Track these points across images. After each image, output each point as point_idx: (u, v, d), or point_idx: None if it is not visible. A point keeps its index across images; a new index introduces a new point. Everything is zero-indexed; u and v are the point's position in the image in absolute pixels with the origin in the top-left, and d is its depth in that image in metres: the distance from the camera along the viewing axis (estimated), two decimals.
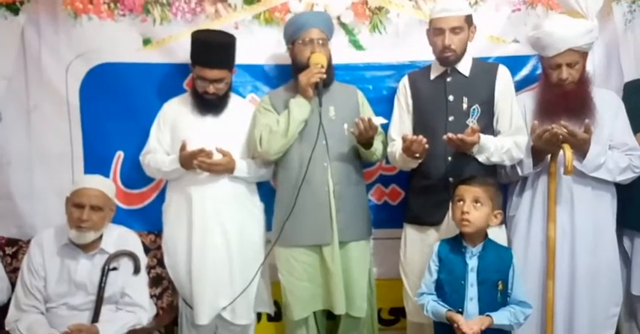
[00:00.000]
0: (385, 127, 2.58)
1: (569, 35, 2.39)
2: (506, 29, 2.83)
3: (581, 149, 2.38)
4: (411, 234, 2.53)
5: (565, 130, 2.32)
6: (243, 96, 2.83)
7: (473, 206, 2.18)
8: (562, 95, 2.45)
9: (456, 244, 2.25)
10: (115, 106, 2.80)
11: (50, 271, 2.39)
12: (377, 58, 2.83)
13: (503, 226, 2.49)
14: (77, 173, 2.79)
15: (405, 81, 2.60)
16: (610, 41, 2.81)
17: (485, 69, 2.52)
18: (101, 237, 2.43)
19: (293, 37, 2.55)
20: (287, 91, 2.60)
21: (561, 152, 2.35)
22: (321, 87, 2.46)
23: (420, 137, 2.32)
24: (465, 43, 2.46)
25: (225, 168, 2.56)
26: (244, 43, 2.70)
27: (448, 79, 2.49)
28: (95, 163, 2.80)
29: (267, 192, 2.74)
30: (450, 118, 2.45)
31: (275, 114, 2.55)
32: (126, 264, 2.45)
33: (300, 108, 2.48)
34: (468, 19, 2.46)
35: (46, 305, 2.38)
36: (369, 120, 2.40)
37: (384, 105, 2.69)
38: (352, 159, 2.56)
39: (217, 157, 2.53)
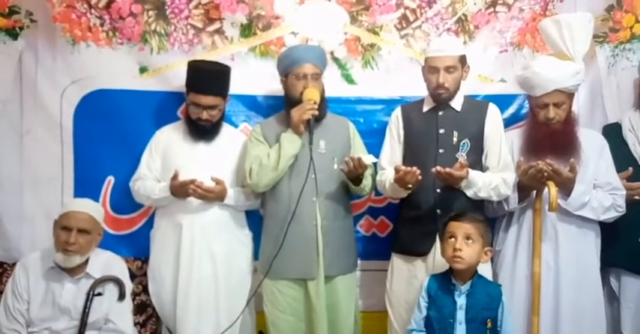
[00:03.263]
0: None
1: (557, 76, 2.44)
2: (493, 69, 2.91)
3: (565, 187, 2.41)
4: (398, 263, 2.54)
5: (550, 168, 2.35)
6: (236, 126, 2.87)
7: (465, 243, 2.17)
8: (548, 134, 2.49)
9: (444, 281, 2.23)
10: (107, 132, 2.82)
11: (34, 294, 2.37)
12: (368, 92, 2.89)
13: (489, 260, 2.50)
14: (67, 196, 2.80)
15: (397, 112, 2.64)
16: (594, 83, 2.88)
17: (477, 106, 2.58)
18: (87, 261, 2.42)
19: (286, 70, 2.57)
20: (278, 122, 2.62)
21: (546, 189, 2.38)
22: (313, 123, 2.48)
23: (414, 168, 2.33)
24: (458, 81, 2.51)
25: (217, 196, 2.57)
26: (239, 74, 2.75)
27: (440, 113, 2.53)
28: (85, 187, 2.80)
29: (255, 220, 2.75)
30: (440, 151, 2.49)
31: (266, 145, 2.57)
32: (111, 290, 2.43)
33: (290, 143, 2.48)
34: (462, 59, 2.52)
35: (28, 329, 2.35)
36: (359, 159, 2.41)
37: (374, 138, 2.74)
38: (340, 194, 2.57)
39: (209, 185, 2.54)
